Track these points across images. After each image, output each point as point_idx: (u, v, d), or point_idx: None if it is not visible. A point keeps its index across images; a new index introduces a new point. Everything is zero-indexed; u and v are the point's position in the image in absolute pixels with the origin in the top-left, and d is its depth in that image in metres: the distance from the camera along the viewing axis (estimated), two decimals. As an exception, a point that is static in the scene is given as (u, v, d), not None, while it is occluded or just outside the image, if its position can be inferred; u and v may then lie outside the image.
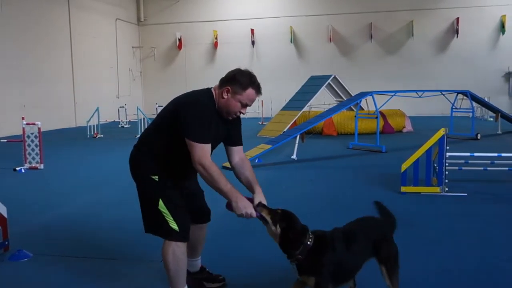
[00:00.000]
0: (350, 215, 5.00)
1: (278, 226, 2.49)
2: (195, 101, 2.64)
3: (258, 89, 2.68)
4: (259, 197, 2.69)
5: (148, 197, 2.75)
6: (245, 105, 2.67)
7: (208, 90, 2.74)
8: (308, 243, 2.49)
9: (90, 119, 14.33)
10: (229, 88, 2.62)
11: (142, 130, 13.79)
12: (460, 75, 20.82)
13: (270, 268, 3.44)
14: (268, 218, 2.52)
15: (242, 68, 2.73)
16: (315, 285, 2.48)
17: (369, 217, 2.86)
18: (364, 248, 2.66)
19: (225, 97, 2.64)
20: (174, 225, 2.70)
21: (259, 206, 2.58)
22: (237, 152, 2.94)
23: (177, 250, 2.71)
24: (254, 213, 2.55)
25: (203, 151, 2.55)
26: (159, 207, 2.69)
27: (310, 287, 2.53)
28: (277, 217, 2.50)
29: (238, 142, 2.93)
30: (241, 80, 2.62)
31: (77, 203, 5.71)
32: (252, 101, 2.69)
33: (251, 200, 2.65)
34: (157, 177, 2.70)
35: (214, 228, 3.27)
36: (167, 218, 2.69)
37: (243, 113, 2.72)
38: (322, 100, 15.50)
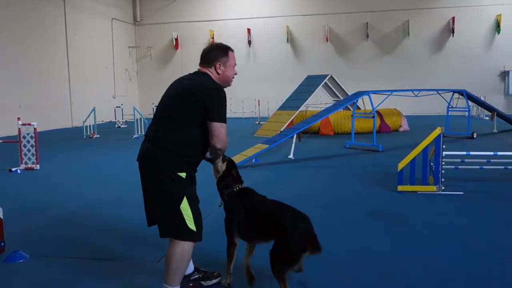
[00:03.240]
0: (348, 214, 5.03)
1: (225, 164, 3.06)
2: (218, 86, 2.87)
3: (232, 49, 3.02)
4: None
5: (172, 196, 2.73)
6: (234, 65, 3.01)
7: (208, 75, 2.92)
8: (235, 189, 3.06)
9: (86, 120, 14.28)
10: (219, 63, 2.92)
11: (139, 130, 13.83)
12: (456, 74, 20.89)
13: (268, 266, 3.44)
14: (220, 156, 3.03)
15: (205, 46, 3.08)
16: (225, 219, 3.04)
17: (293, 208, 2.95)
18: (264, 225, 2.92)
19: (220, 71, 2.92)
20: (192, 226, 2.73)
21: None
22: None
23: (186, 249, 2.75)
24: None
25: (226, 132, 2.81)
26: (181, 206, 2.70)
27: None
28: (227, 157, 3.09)
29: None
30: (221, 52, 2.94)
31: (73, 204, 5.69)
32: (235, 59, 3.03)
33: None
34: (184, 174, 2.75)
35: (209, 226, 3.26)
36: (186, 218, 2.71)
37: (236, 74, 3.03)
38: (319, 100, 15.52)
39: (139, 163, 2.86)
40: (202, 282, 3.14)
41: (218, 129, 2.75)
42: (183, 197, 2.71)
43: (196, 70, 3.01)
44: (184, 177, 2.75)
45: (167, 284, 2.81)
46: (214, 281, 3.15)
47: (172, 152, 2.74)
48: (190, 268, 3.16)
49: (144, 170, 2.83)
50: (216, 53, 2.93)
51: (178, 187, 2.73)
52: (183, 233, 2.73)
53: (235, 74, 3.02)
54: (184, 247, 2.74)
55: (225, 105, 2.83)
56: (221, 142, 2.78)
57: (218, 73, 2.91)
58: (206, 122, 2.76)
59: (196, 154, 2.86)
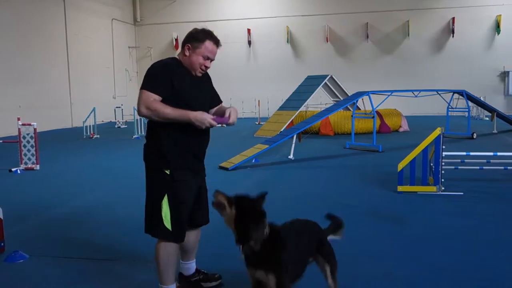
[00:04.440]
0: (347, 214, 5.02)
1: (233, 208, 2.37)
2: (158, 61, 2.80)
3: (216, 41, 2.85)
4: (229, 109, 2.87)
5: (155, 192, 2.74)
6: (206, 58, 2.80)
7: (162, 60, 2.86)
8: (266, 231, 2.36)
9: (86, 120, 14.28)
10: (189, 45, 2.78)
11: (139, 131, 13.84)
12: (456, 74, 20.90)
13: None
14: (221, 198, 2.40)
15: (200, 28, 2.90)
16: (277, 283, 2.32)
17: (304, 219, 2.77)
18: (308, 248, 2.64)
19: (187, 54, 2.79)
20: (168, 224, 2.70)
21: (214, 193, 2.45)
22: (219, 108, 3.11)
23: (169, 247, 2.74)
24: (212, 123, 2.70)
25: (148, 97, 2.66)
26: (162, 203, 2.69)
27: (268, 285, 2.34)
28: (233, 198, 2.41)
29: (220, 100, 3.17)
30: (197, 36, 2.80)
31: (73, 204, 5.69)
32: (212, 53, 2.83)
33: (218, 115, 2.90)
34: (169, 170, 2.71)
35: (210, 227, 3.26)
36: (163, 216, 2.69)
37: (208, 67, 2.84)
38: (319, 100, 15.53)
39: None
40: (203, 284, 3.14)
41: (139, 94, 2.69)
42: (165, 195, 2.69)
43: None
44: (168, 173, 2.71)
45: (161, 284, 2.83)
46: (214, 283, 3.14)
47: (154, 147, 2.78)
48: (192, 269, 3.15)
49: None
50: (193, 34, 2.81)
51: (161, 183, 2.72)
52: (156, 232, 2.73)
53: (205, 66, 2.83)
54: (166, 247, 2.73)
55: (152, 75, 2.71)
56: (139, 106, 2.66)
57: (185, 55, 2.80)
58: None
59: (173, 151, 2.73)
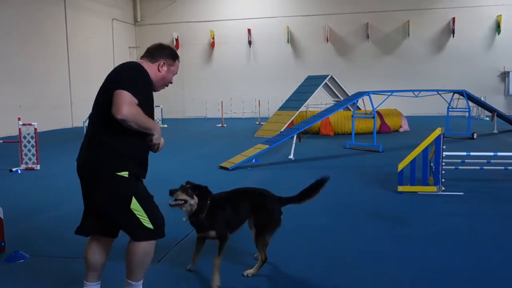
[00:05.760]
0: (348, 214, 5.03)
1: (194, 196, 3.07)
2: (135, 64, 2.72)
3: (179, 58, 2.92)
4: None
5: (120, 198, 2.59)
6: (173, 75, 2.87)
7: (140, 64, 2.73)
8: (208, 203, 3.11)
9: (86, 120, 14.28)
10: (164, 61, 2.78)
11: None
12: (456, 74, 20.90)
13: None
14: (184, 196, 3.05)
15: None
16: (217, 235, 3.16)
17: (252, 188, 3.58)
18: (243, 210, 3.34)
19: (162, 70, 2.78)
20: (148, 224, 2.62)
21: (173, 194, 3.05)
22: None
23: (148, 247, 2.67)
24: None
25: (133, 100, 2.50)
26: (132, 206, 2.58)
27: (212, 239, 3.20)
28: (189, 190, 3.08)
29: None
30: (174, 54, 2.85)
31: (74, 204, 5.67)
32: (177, 71, 2.90)
33: None
34: (126, 173, 2.59)
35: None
36: (140, 217, 2.60)
37: (171, 83, 2.91)
38: (319, 100, 15.52)
39: None
40: None
41: (118, 94, 2.47)
42: (132, 197, 2.59)
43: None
44: (126, 175, 2.59)
45: (130, 280, 2.73)
46: None
47: (107, 153, 2.65)
48: None
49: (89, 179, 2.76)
50: (167, 53, 2.81)
51: (123, 187, 2.60)
52: (143, 233, 2.62)
53: (170, 83, 2.89)
54: (146, 247, 2.65)
55: (133, 79, 2.57)
56: (122, 108, 2.45)
57: (159, 71, 2.77)
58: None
59: (128, 154, 2.64)
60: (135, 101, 2.52)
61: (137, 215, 2.60)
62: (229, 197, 3.36)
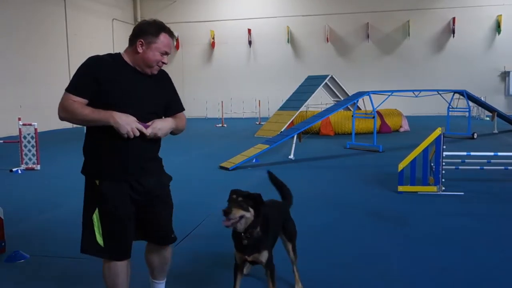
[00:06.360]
0: (348, 214, 5.03)
1: (250, 208, 2.50)
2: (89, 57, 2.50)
3: (170, 33, 2.51)
4: (157, 121, 2.49)
5: (87, 205, 2.49)
6: (164, 53, 2.47)
7: (88, 58, 2.53)
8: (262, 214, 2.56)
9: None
10: (142, 40, 2.43)
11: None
12: (457, 74, 20.90)
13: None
14: (241, 212, 2.46)
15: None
16: (268, 260, 2.60)
17: (274, 200, 3.15)
18: (278, 224, 2.94)
19: (140, 50, 2.43)
20: (99, 240, 2.44)
21: (228, 214, 2.45)
22: (180, 119, 2.70)
23: (113, 267, 2.49)
24: (139, 127, 2.36)
25: (66, 98, 2.41)
26: (93, 217, 2.45)
27: (260, 264, 2.63)
28: (243, 203, 2.49)
29: (180, 108, 2.72)
30: (150, 29, 2.44)
31: (74, 204, 5.68)
32: (169, 46, 2.49)
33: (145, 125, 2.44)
34: (98, 181, 2.44)
35: (210, 228, 3.25)
36: (96, 231, 2.44)
37: (165, 63, 2.51)
38: (319, 100, 15.53)
39: None
40: None
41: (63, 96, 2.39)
42: (95, 207, 2.43)
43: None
44: (97, 183, 2.44)
45: None
46: None
47: (86, 155, 2.55)
48: None
49: None
50: (143, 28, 2.44)
51: (91, 194, 2.46)
52: (89, 249, 2.48)
53: (163, 62, 2.49)
54: (111, 267, 2.49)
55: (77, 74, 2.46)
56: (59, 109, 2.42)
57: (137, 52, 2.44)
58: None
59: (105, 160, 2.45)
60: (75, 98, 2.40)
61: (94, 226, 2.45)
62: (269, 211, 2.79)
